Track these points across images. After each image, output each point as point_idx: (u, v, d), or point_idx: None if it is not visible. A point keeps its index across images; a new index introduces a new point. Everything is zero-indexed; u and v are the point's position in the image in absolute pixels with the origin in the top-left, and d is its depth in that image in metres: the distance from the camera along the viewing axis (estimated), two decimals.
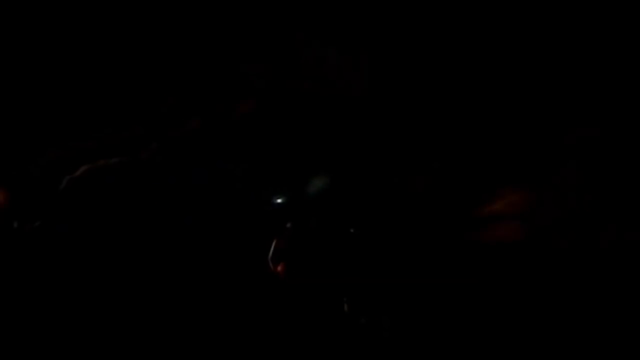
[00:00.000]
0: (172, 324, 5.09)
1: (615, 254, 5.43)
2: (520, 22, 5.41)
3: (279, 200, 5.82)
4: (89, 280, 5.39)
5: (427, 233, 5.63)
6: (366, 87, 5.61)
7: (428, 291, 5.34)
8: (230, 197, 5.86)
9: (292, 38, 5.48)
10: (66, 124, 5.87)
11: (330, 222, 5.50)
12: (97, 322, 5.08)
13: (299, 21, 5.43)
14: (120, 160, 5.82)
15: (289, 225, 5.28)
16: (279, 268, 5.36)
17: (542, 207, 5.43)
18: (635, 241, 5.40)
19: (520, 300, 5.34)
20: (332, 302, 5.23)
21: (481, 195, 5.55)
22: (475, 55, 5.52)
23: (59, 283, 5.28)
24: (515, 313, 5.27)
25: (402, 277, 5.47)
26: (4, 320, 5.00)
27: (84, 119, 5.85)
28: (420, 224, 5.70)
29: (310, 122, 5.82)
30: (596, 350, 4.96)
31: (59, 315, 5.10)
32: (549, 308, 5.29)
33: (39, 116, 5.78)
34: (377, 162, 5.85)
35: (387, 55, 5.62)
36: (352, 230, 5.43)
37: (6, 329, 4.91)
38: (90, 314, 5.15)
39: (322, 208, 5.70)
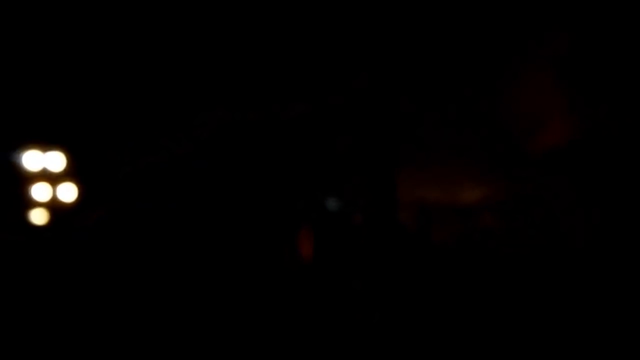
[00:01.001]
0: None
1: (589, 249, 6.24)
2: None
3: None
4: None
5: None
6: None
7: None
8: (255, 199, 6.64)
9: None
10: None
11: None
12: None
13: None
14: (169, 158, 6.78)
15: (314, 214, 6.24)
16: (305, 251, 6.26)
17: (516, 200, 6.31)
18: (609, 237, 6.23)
19: (502, 296, 6.02)
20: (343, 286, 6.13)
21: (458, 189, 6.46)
22: None
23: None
24: (496, 308, 5.89)
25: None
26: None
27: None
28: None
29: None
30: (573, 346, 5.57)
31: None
32: (531, 301, 5.94)
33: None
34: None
35: None
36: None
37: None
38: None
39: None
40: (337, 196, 6.64)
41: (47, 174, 6.70)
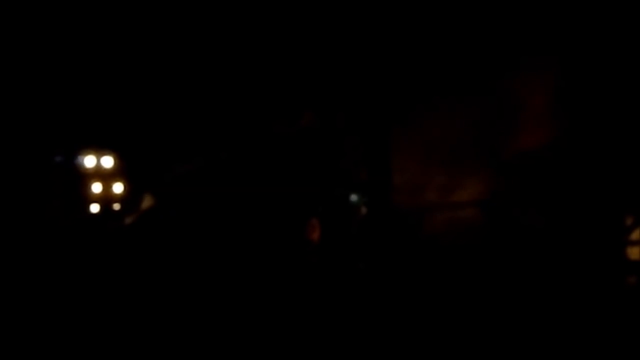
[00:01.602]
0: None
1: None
2: None
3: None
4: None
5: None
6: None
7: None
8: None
9: None
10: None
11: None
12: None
13: None
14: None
15: (320, 208, 7.29)
16: (315, 236, 7.27)
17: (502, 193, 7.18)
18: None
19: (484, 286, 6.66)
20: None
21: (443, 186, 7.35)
22: None
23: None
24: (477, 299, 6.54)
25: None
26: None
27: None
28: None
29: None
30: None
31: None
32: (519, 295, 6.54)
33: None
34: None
35: None
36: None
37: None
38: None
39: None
40: (349, 189, 7.47)
41: (101, 172, 8.05)
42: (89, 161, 8.07)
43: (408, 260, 7.08)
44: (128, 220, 7.10)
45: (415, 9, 7.36)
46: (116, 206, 7.99)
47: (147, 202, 7.55)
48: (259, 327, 5.67)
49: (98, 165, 8.09)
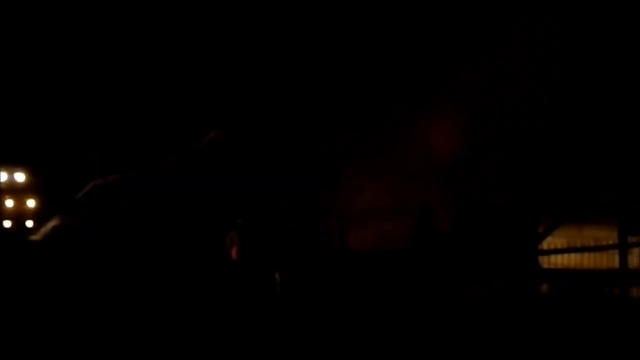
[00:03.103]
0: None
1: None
2: None
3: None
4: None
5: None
6: None
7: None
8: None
9: None
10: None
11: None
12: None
13: None
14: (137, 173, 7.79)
15: (240, 221, 7.31)
16: (233, 252, 7.30)
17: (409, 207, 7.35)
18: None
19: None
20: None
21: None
22: None
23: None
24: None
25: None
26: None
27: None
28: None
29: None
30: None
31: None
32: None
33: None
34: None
35: None
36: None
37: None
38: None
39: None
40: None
41: (14, 188, 7.91)
42: (1, 177, 7.91)
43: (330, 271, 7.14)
44: (39, 235, 7.04)
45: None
46: (29, 222, 7.84)
47: (57, 220, 7.49)
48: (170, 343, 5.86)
49: (11, 180, 7.93)
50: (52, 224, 7.07)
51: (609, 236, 8.45)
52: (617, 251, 8.21)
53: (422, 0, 7.47)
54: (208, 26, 7.66)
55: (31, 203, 8.01)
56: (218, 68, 7.71)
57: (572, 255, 8.31)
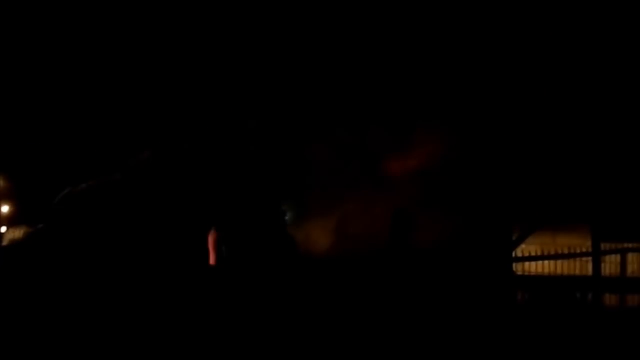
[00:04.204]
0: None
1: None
2: None
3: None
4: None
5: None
6: None
7: None
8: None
9: None
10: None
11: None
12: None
13: None
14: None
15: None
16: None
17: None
18: None
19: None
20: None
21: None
22: None
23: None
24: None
25: None
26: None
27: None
28: None
29: None
30: None
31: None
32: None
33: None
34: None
35: None
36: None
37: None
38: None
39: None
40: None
41: None
42: None
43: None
44: (9, 241, 7.00)
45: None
46: (2, 228, 7.76)
47: (29, 226, 7.47)
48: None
49: None
50: (24, 229, 7.04)
51: (582, 243, 8.58)
52: (590, 258, 8.35)
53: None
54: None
55: (4, 208, 7.95)
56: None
57: (546, 262, 8.43)
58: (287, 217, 7.50)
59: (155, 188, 7.57)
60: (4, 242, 6.99)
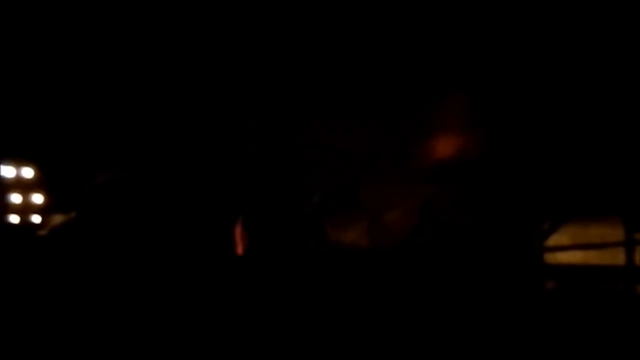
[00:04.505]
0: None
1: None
2: None
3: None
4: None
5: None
6: None
7: None
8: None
9: None
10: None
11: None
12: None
13: None
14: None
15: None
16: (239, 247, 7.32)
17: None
18: None
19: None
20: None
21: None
22: None
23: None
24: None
25: None
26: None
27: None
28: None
29: None
30: None
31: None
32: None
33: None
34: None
35: None
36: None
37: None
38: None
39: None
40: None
41: (21, 183, 7.93)
42: (8, 172, 7.93)
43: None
44: (45, 230, 7.10)
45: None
46: (36, 217, 7.87)
47: (64, 215, 7.53)
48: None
49: (18, 175, 7.95)
50: (59, 219, 7.12)
51: (614, 234, 8.48)
52: (622, 249, 8.25)
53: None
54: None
55: (38, 198, 8.04)
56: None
57: (577, 253, 8.34)
58: (319, 207, 7.53)
59: (182, 176, 7.61)
60: (46, 231, 7.11)
